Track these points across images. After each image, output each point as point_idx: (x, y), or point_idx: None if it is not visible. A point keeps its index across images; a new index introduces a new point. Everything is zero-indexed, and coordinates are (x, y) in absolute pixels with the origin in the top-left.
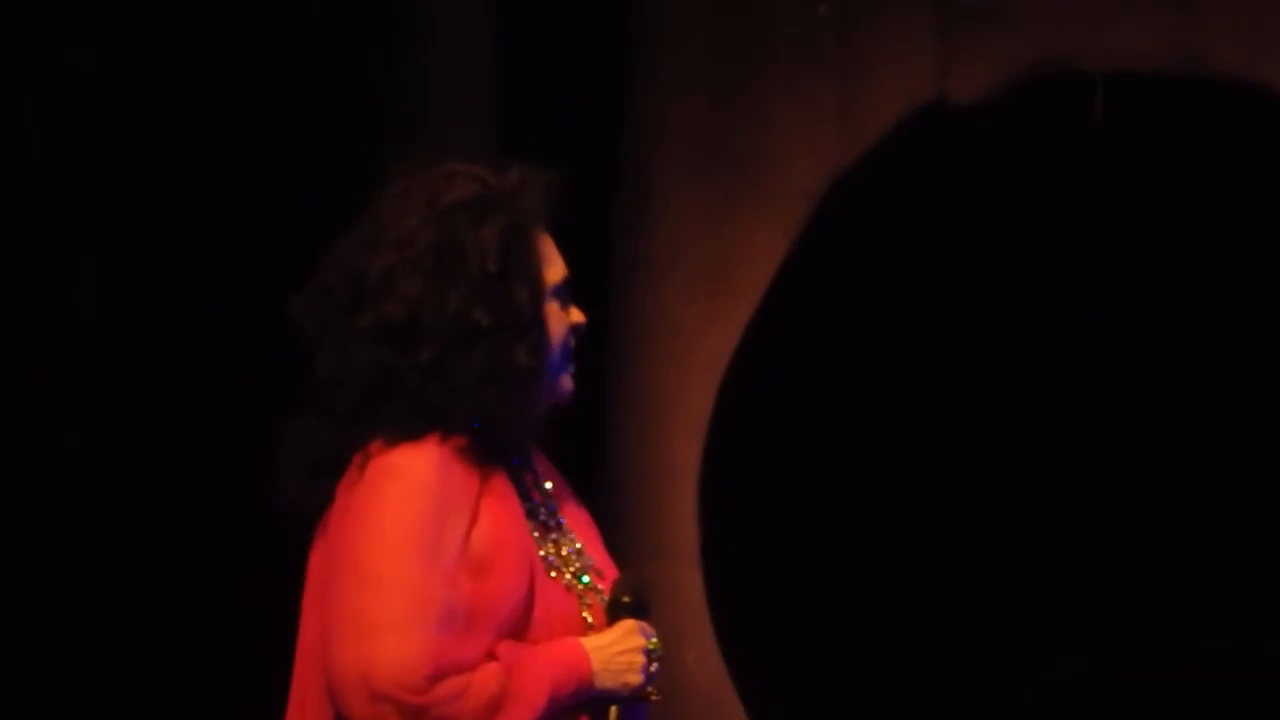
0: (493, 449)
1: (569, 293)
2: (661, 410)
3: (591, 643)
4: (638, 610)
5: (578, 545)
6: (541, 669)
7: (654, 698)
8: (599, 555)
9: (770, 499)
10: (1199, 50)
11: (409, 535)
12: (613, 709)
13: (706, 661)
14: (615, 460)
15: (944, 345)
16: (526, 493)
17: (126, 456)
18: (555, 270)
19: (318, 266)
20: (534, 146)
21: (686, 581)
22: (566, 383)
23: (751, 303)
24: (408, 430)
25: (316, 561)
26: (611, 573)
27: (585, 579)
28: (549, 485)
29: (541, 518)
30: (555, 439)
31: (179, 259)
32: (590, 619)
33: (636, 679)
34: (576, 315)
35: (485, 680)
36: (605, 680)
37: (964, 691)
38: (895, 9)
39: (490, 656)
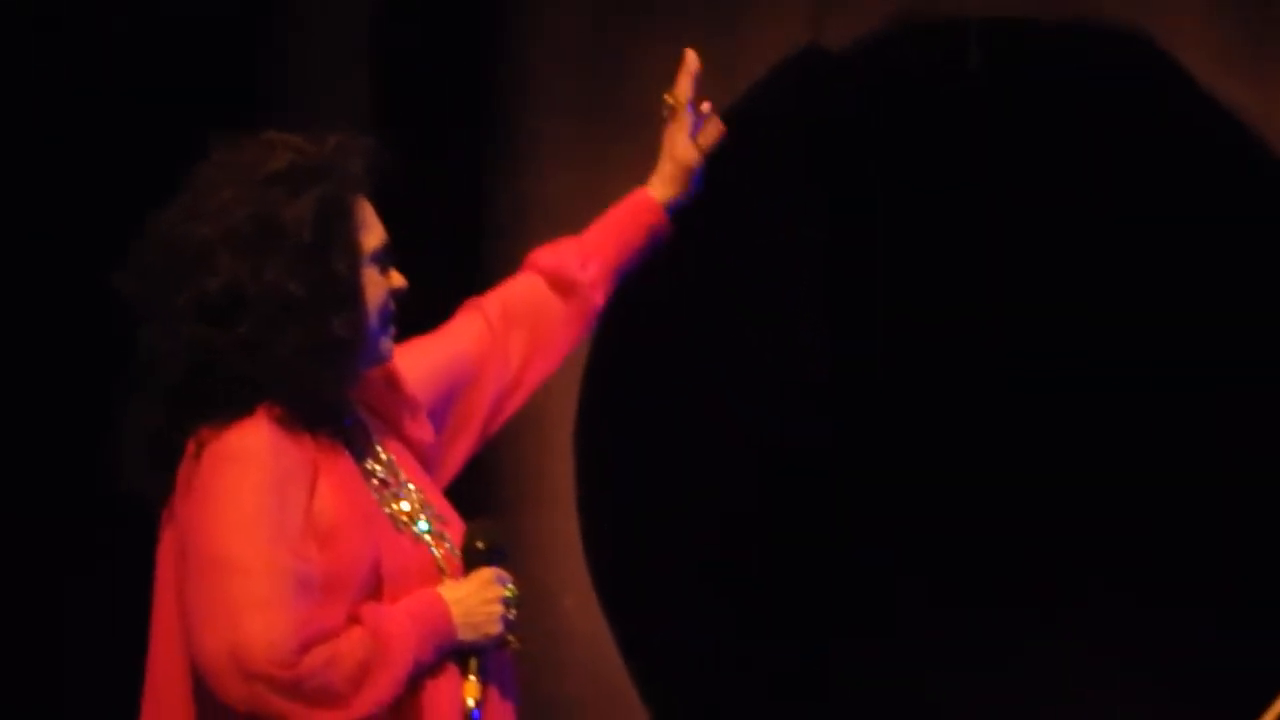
0: (322, 416)
1: (389, 257)
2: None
3: (451, 594)
4: (493, 556)
5: (420, 498)
6: (406, 630)
7: (515, 645)
8: (440, 504)
9: (647, 447)
10: (1084, 7)
11: (253, 514)
12: (472, 661)
13: (585, 608)
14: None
15: (819, 291)
16: (362, 454)
17: None
18: (374, 236)
19: (137, 242)
20: (410, 104)
21: (563, 530)
22: (386, 346)
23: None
24: (235, 408)
25: (165, 551)
26: (456, 520)
27: (431, 528)
28: (381, 447)
29: (381, 476)
30: None
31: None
32: (443, 564)
33: (496, 628)
34: (397, 279)
35: (352, 646)
36: (467, 633)
37: (840, 633)
38: None
39: (353, 620)
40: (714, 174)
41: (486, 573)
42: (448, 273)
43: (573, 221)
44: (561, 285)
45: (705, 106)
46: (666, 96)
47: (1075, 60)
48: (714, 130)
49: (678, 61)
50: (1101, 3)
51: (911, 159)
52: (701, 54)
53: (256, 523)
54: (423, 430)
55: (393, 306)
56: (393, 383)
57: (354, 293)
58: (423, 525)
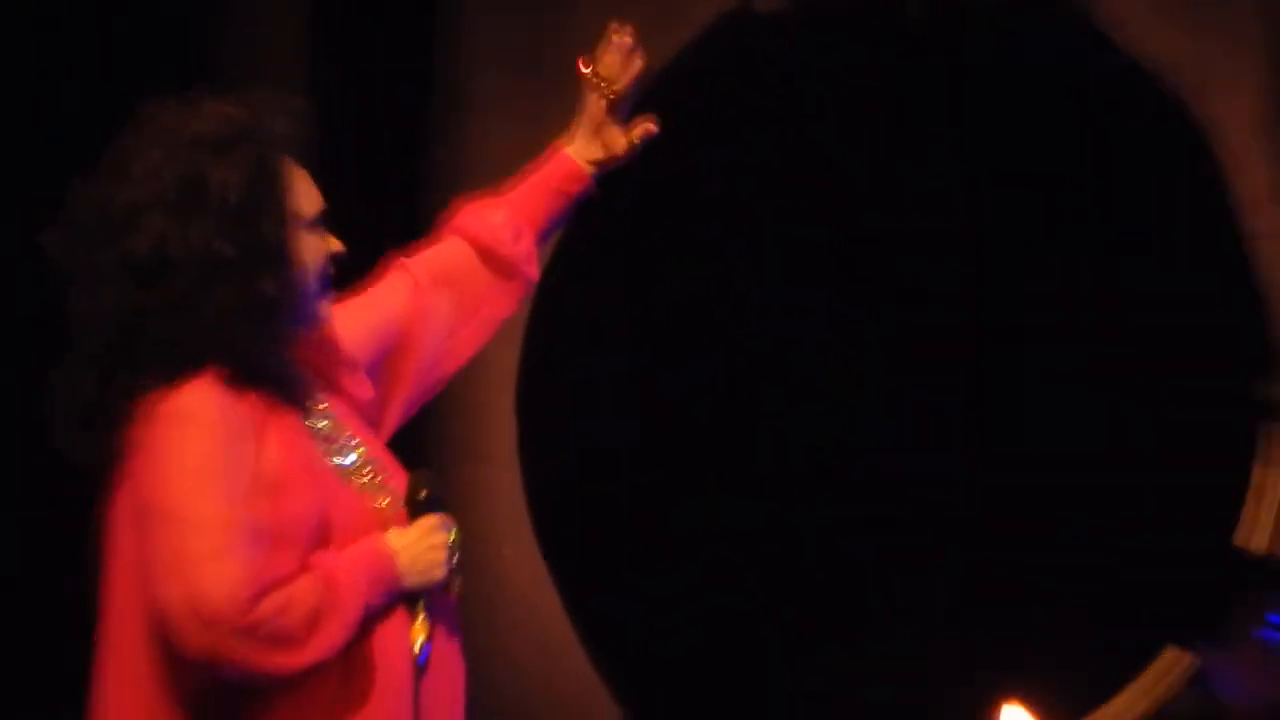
0: (264, 375)
1: (324, 221)
2: None
3: (398, 541)
4: (434, 504)
5: (363, 451)
6: (354, 576)
7: (457, 590)
8: (384, 457)
9: (584, 405)
10: None
11: (203, 471)
12: (419, 604)
13: (523, 556)
14: None
15: (757, 244)
16: (307, 411)
17: None
18: (310, 202)
19: (68, 204)
20: (346, 60)
21: (503, 482)
22: (324, 308)
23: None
24: (173, 370)
25: (117, 512)
26: (399, 472)
27: (375, 479)
28: (324, 404)
29: (325, 431)
30: None
31: None
32: (388, 514)
33: (440, 573)
34: (334, 244)
35: (304, 593)
36: (412, 578)
37: (770, 581)
38: None
39: (303, 569)
40: (655, 137)
41: (429, 520)
42: (384, 228)
43: (509, 176)
44: (494, 260)
45: (635, 62)
46: (582, 63)
47: (1005, 9)
48: (644, 129)
49: (613, 13)
50: None
51: (846, 110)
52: (641, 14)
53: (207, 478)
54: (361, 388)
55: (330, 270)
56: (331, 342)
57: (282, 253)
58: (367, 477)
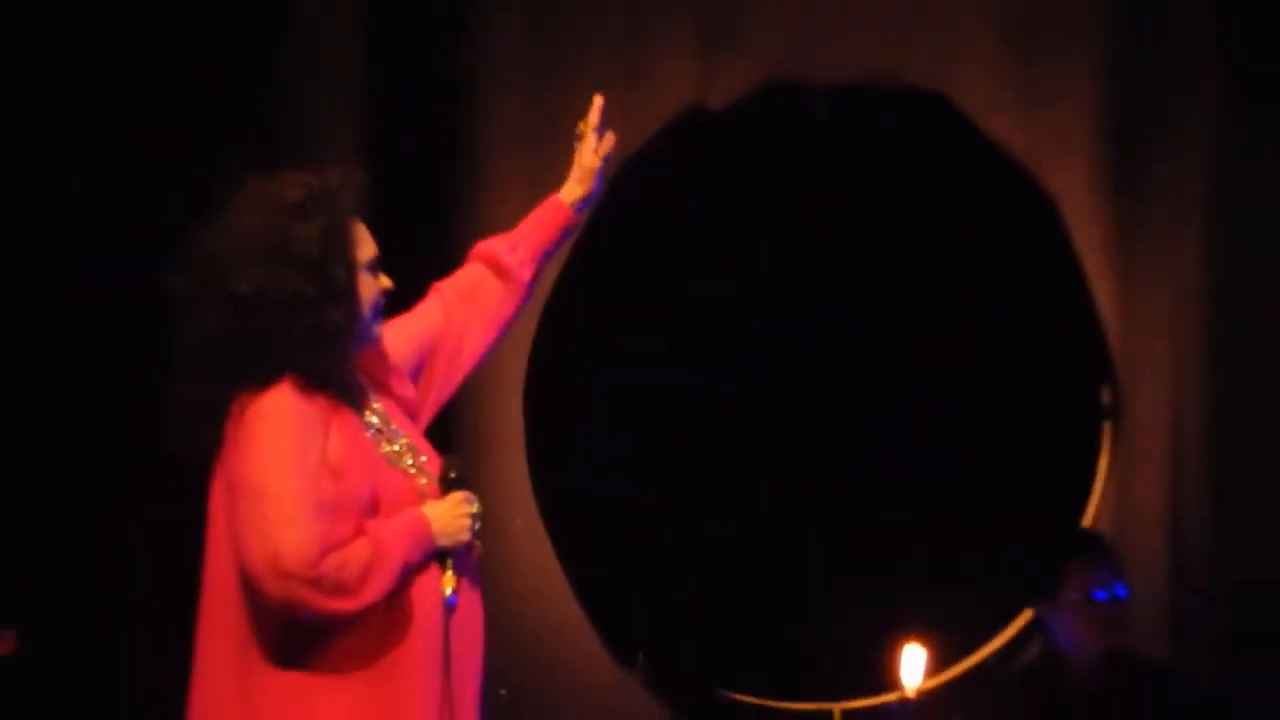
0: (330, 382)
1: (378, 265)
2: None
3: (432, 511)
4: (460, 483)
5: (406, 439)
6: (397, 539)
7: (478, 549)
8: (423, 445)
9: (582, 404)
10: (896, 66)
11: (281, 457)
12: (448, 560)
13: (530, 527)
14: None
15: (708, 286)
16: (362, 409)
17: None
18: (366, 250)
19: (184, 251)
20: (397, 145)
21: (514, 466)
22: (376, 330)
23: (565, 258)
24: (264, 380)
25: (217, 491)
26: (434, 456)
27: (415, 463)
28: (376, 403)
29: (376, 424)
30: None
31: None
32: (424, 490)
33: (465, 536)
34: (385, 282)
35: (359, 552)
36: (443, 540)
37: (739, 537)
38: (670, 39)
39: (359, 534)
40: (623, 195)
41: (458, 495)
42: (421, 271)
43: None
44: (498, 269)
45: (608, 137)
46: (580, 124)
47: (892, 109)
48: (607, 143)
49: (604, 112)
50: (910, 67)
51: (776, 191)
52: (619, 105)
53: (286, 463)
54: (406, 389)
55: (381, 303)
56: (383, 355)
57: (348, 291)
58: (409, 461)
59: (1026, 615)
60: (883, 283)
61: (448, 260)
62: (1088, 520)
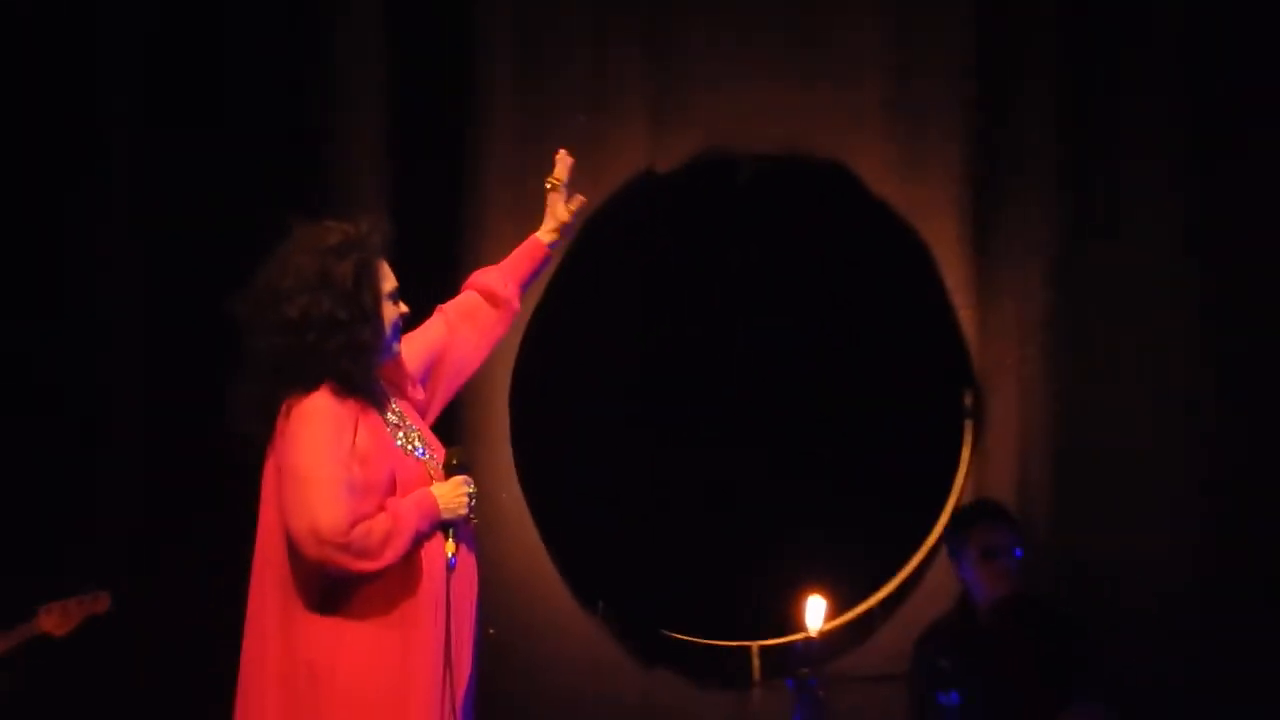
0: (359, 388)
1: (397, 295)
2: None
3: (437, 490)
4: (461, 468)
5: (418, 433)
6: (411, 511)
7: (474, 520)
8: (430, 438)
9: (557, 404)
10: (805, 141)
11: (321, 448)
12: (450, 530)
13: (514, 501)
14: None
15: (657, 311)
16: (383, 409)
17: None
18: (389, 283)
19: (246, 284)
20: (415, 205)
21: (502, 453)
22: (395, 348)
23: (542, 289)
24: (307, 385)
25: (268, 473)
26: (439, 447)
27: (424, 453)
28: (397, 404)
29: (395, 421)
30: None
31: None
32: (432, 474)
33: (464, 511)
34: (402, 308)
35: (380, 523)
36: (447, 514)
37: (700, 509)
38: (624, 116)
39: (380, 509)
40: (590, 245)
41: (458, 478)
42: (429, 299)
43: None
44: (492, 298)
45: (577, 197)
46: (547, 180)
47: (801, 175)
48: (577, 201)
49: (575, 175)
50: (817, 142)
51: (707, 245)
52: (586, 170)
53: (324, 451)
54: (417, 393)
55: (400, 325)
56: (400, 365)
57: (375, 317)
58: (420, 452)
59: (902, 574)
60: (798, 311)
61: (448, 289)
62: (954, 498)
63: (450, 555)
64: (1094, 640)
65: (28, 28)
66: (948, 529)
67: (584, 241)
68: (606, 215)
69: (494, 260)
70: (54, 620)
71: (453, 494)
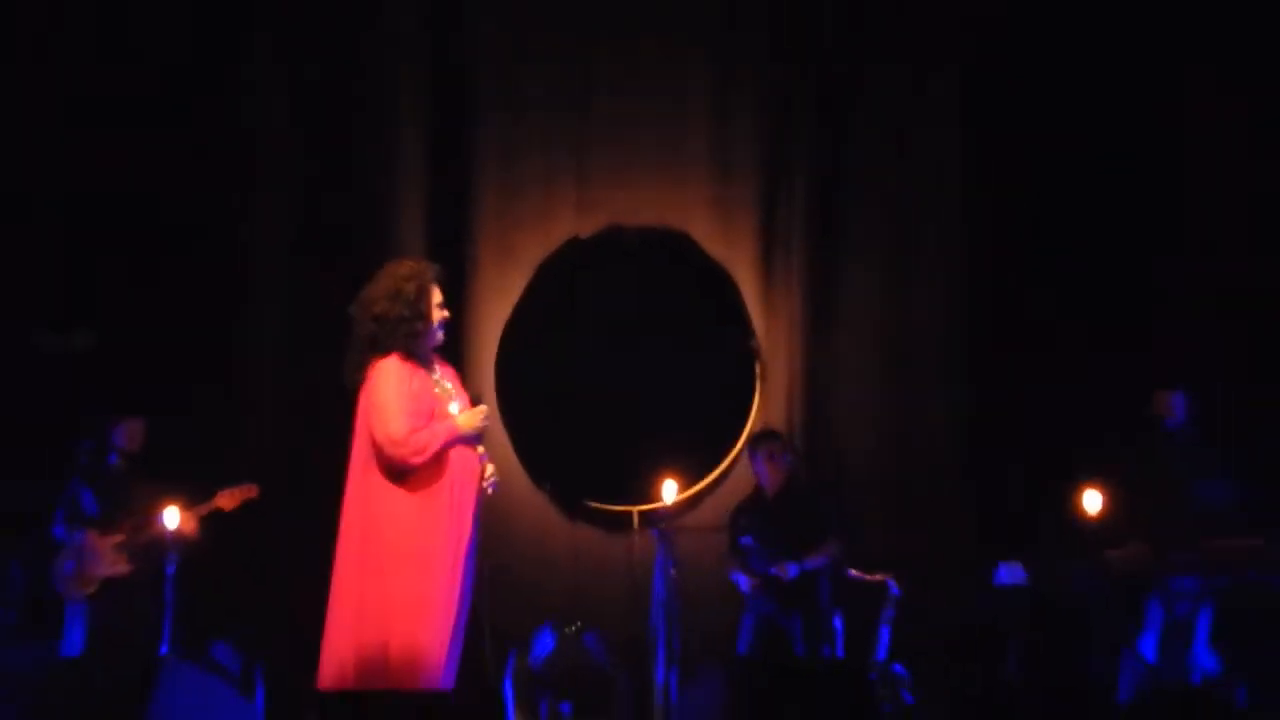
0: (416, 357)
1: (443, 304)
2: (482, 338)
3: (461, 416)
4: (479, 402)
5: (451, 388)
6: (444, 430)
7: (486, 459)
8: (460, 390)
9: (534, 368)
10: (666, 216)
11: (391, 390)
12: (486, 459)
13: (495, 427)
14: (466, 360)
15: (584, 312)
16: (430, 371)
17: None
18: (437, 297)
19: (358, 297)
20: (441, 239)
21: (490, 397)
22: (439, 337)
23: (512, 302)
24: (383, 353)
25: (361, 405)
26: (466, 398)
27: (456, 408)
28: (439, 370)
29: (436, 378)
30: (448, 350)
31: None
32: (459, 413)
33: (481, 427)
34: (445, 313)
35: (427, 434)
36: (468, 430)
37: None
38: (559, 201)
39: (426, 428)
40: (544, 282)
41: (480, 408)
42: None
43: (495, 286)
44: None
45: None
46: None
47: (664, 239)
48: (491, 478)
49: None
50: (673, 217)
51: (617, 291)
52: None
53: (394, 392)
54: (448, 368)
55: (445, 323)
56: (440, 347)
57: (427, 316)
58: (453, 398)
59: (720, 468)
60: (659, 320)
61: (464, 300)
62: (748, 425)
63: (489, 476)
64: (831, 508)
65: None
66: (748, 443)
67: (538, 278)
68: (551, 263)
69: (487, 284)
70: (225, 500)
71: (472, 416)
